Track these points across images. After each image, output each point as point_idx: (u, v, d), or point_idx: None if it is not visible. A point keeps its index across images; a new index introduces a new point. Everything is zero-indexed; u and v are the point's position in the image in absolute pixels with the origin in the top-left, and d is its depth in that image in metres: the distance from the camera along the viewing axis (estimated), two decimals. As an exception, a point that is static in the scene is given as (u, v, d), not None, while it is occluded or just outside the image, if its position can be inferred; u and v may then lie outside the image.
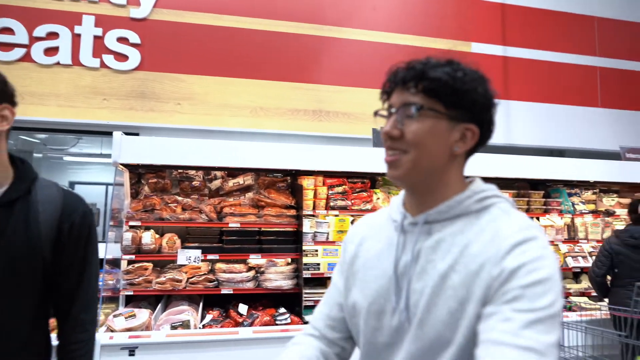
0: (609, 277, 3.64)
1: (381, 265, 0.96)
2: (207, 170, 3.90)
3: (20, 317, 1.24)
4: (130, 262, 3.27)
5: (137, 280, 3.14)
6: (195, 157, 3.48)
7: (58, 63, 4.44)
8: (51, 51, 4.44)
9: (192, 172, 3.90)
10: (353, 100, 5.21)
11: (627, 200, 4.70)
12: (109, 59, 4.57)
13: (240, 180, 3.89)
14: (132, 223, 3.33)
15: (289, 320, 3.16)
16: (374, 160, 3.78)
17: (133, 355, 2.67)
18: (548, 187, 4.59)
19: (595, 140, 5.97)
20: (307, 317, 3.32)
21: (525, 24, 5.99)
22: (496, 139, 4.89)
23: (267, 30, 5.07)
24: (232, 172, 3.93)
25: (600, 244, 3.82)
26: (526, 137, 5.69)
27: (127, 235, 3.22)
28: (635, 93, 6.35)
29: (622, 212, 4.60)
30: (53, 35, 4.47)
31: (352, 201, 3.87)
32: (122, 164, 3.42)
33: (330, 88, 5.20)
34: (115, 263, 3.27)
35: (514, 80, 5.79)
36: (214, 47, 4.91)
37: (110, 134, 3.36)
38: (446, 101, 0.87)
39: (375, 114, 0.96)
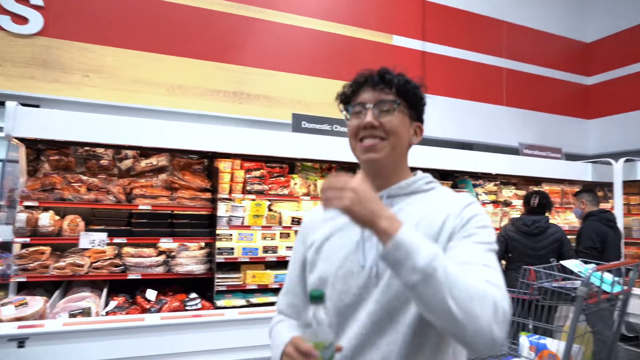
0: (504, 262, 3.97)
1: (346, 236, 1.10)
2: (117, 148, 3.66)
3: None
4: (24, 245, 3.00)
5: (31, 265, 2.89)
6: (104, 134, 3.26)
7: (-59, 20, 3.92)
8: None
9: (101, 150, 3.65)
10: (275, 84, 5.16)
11: (523, 192, 5.15)
12: (4, 20, 4.11)
13: (153, 160, 3.71)
14: (27, 203, 3.04)
15: (199, 306, 3.09)
16: (294, 145, 3.79)
17: (23, 346, 2.46)
18: (456, 178, 4.89)
19: (498, 135, 6.45)
20: (219, 302, 3.27)
21: (443, 22, 6.28)
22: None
23: (190, 5, 4.84)
24: (145, 152, 3.74)
25: (498, 232, 4.15)
26: (440, 130, 6.00)
27: (22, 217, 2.94)
28: (534, 95, 6.93)
29: (518, 203, 5.03)
30: None
31: (270, 186, 3.85)
32: (16, 138, 3.11)
33: (253, 70, 5.10)
34: (5, 247, 2.98)
35: (431, 75, 6.06)
36: (131, 18, 4.59)
37: (3, 104, 3.04)
38: (410, 102, 1.11)
39: (346, 109, 1.14)
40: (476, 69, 6.43)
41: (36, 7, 4.23)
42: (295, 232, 3.99)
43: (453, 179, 4.85)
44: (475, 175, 4.94)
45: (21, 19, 4.18)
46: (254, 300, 3.36)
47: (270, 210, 3.84)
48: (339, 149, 3.86)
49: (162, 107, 4.65)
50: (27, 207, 3.06)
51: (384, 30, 5.90)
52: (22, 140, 3.21)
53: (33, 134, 3.10)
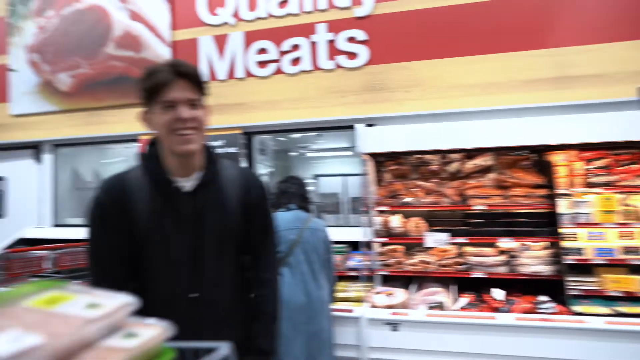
0: None
1: None
2: (443, 153, 3.87)
3: (229, 277, 1.53)
4: (382, 244, 3.48)
5: (389, 261, 3.33)
6: (430, 141, 3.52)
7: (302, 71, 5.03)
8: (296, 61, 5.06)
9: (428, 156, 3.93)
10: (603, 59, 4.43)
11: None
12: (342, 59, 4.95)
13: (479, 161, 3.74)
14: (379, 208, 3.54)
15: (553, 310, 2.87)
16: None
17: (396, 330, 2.84)
18: None
19: None
20: (574, 308, 2.96)
21: None
22: None
23: (488, 1, 4.72)
24: (469, 154, 3.81)
25: None
26: None
27: (378, 220, 3.43)
28: None
29: None
30: (295, 47, 5.09)
31: (619, 176, 3.29)
32: (365, 154, 3.68)
33: (571, 49, 4.53)
34: (368, 245, 3.53)
35: None
36: (437, 30, 4.82)
37: (348, 127, 3.66)
38: None
39: None
40: None
41: (362, 42, 4.94)
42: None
43: None
44: None
45: (352, 55, 4.96)
46: (620, 309, 2.89)
47: (624, 204, 3.27)
48: None
49: (478, 107, 4.64)
50: (380, 212, 3.55)
51: None
52: (368, 155, 3.77)
53: (375, 148, 3.61)
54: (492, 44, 4.69)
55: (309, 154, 8.00)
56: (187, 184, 1.47)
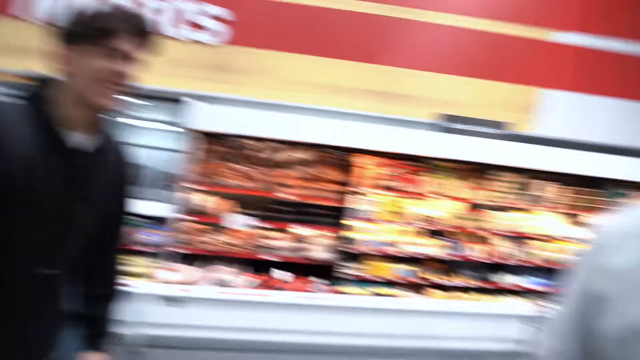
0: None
1: None
2: (264, 141, 4.09)
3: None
4: (184, 221, 3.56)
5: (189, 239, 3.43)
6: (260, 128, 3.76)
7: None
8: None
9: (252, 142, 4.12)
10: (419, 84, 5.14)
11: None
12: (189, 33, 4.85)
13: (293, 153, 4.06)
14: (192, 186, 3.62)
15: (326, 289, 3.32)
16: (431, 145, 3.88)
17: (180, 307, 2.97)
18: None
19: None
20: (343, 289, 3.45)
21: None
22: (573, 135, 4.50)
23: (344, 10, 5.11)
24: (288, 145, 4.11)
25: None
26: (607, 135, 5.28)
27: (185, 197, 3.51)
28: None
29: None
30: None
31: (403, 183, 3.91)
32: (193, 130, 3.73)
33: (399, 70, 5.16)
34: (166, 222, 3.57)
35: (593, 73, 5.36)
36: (288, 23, 5.04)
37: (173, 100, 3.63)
38: None
39: None
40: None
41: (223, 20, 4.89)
42: (429, 231, 3.96)
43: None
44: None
45: (203, 29, 4.88)
46: (376, 290, 3.49)
47: (402, 207, 3.90)
48: (481, 150, 3.87)
49: (312, 105, 4.98)
50: (190, 190, 3.63)
51: (539, 25, 5.41)
52: (196, 132, 3.82)
53: (207, 127, 3.72)
54: (333, 48, 5.07)
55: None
56: (85, 142, 1.26)
